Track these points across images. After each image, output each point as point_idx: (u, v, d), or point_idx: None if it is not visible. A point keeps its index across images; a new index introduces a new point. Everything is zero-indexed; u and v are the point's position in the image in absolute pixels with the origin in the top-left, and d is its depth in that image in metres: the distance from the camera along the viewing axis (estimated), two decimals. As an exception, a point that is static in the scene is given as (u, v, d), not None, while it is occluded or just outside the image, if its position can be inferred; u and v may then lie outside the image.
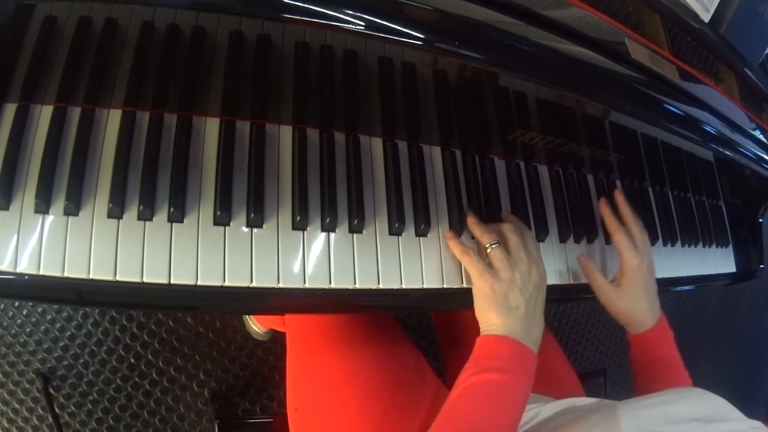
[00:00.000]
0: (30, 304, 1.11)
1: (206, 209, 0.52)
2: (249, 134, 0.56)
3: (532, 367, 0.55)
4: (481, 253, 0.61)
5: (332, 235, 0.57)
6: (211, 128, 0.55)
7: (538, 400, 0.67)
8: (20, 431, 1.12)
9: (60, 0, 0.41)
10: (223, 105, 0.54)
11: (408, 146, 0.64)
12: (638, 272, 0.66)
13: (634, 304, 0.66)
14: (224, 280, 0.51)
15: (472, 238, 0.63)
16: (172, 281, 0.49)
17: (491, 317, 0.56)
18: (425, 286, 0.60)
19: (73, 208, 0.48)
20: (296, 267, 0.54)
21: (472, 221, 0.62)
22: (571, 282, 0.71)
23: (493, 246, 0.59)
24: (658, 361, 0.67)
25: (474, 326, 0.58)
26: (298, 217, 0.55)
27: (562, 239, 0.72)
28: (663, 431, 0.46)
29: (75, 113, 0.51)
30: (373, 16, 0.42)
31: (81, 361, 1.15)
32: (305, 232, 0.55)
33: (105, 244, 0.48)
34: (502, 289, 0.56)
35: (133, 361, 1.18)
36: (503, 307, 0.55)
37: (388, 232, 0.59)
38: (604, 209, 0.71)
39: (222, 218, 0.52)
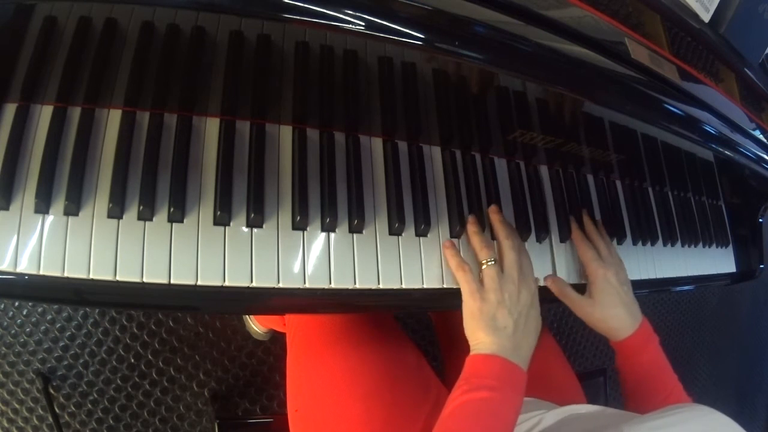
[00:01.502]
0: (30, 304, 1.11)
1: (206, 209, 0.52)
2: (249, 134, 0.56)
3: (521, 384, 0.55)
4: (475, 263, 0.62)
5: (332, 235, 0.57)
6: (211, 128, 0.55)
7: (541, 406, 0.67)
8: (20, 431, 1.12)
9: (60, 0, 0.41)
10: (223, 105, 0.55)
11: (408, 146, 0.64)
12: (605, 281, 0.68)
13: (608, 311, 0.67)
14: (224, 280, 0.51)
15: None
16: (172, 281, 0.49)
17: (480, 336, 0.56)
18: (425, 286, 0.60)
19: (73, 208, 0.48)
20: (296, 267, 0.54)
21: (472, 229, 0.62)
22: (571, 282, 0.70)
23: (489, 263, 0.59)
24: (642, 366, 0.67)
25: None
26: (298, 217, 0.55)
27: (562, 239, 0.72)
28: None
29: (75, 113, 0.51)
30: (373, 16, 0.42)
31: (81, 361, 1.15)
32: (305, 232, 0.55)
33: (105, 244, 0.48)
34: (490, 310, 0.57)
35: (133, 361, 1.18)
36: (491, 326, 0.56)
37: (388, 232, 0.60)
38: (571, 225, 0.73)
39: (222, 218, 0.52)
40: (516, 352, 0.56)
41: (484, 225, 0.65)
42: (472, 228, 0.63)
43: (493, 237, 0.65)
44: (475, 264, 0.61)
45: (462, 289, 0.59)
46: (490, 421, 0.52)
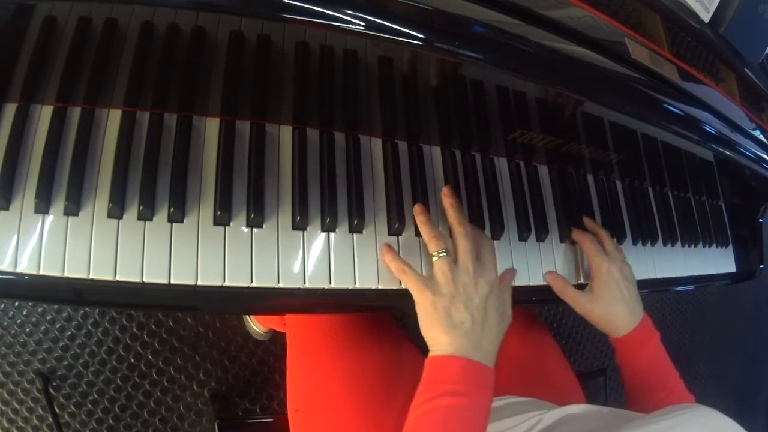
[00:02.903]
0: (30, 304, 1.11)
1: (206, 209, 0.52)
2: (249, 134, 0.56)
3: (487, 383, 0.52)
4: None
5: (332, 235, 0.57)
6: (211, 128, 0.55)
7: (541, 406, 0.67)
8: (20, 431, 1.12)
9: (60, 0, 0.41)
10: (223, 105, 0.55)
11: (408, 146, 0.64)
12: (609, 276, 0.67)
13: (610, 307, 0.66)
14: (224, 280, 0.51)
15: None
16: (172, 281, 0.49)
17: (436, 335, 0.53)
18: (425, 286, 0.59)
19: (73, 208, 0.48)
20: (296, 267, 0.54)
21: (420, 219, 0.59)
22: (571, 282, 0.70)
23: (440, 255, 0.55)
24: (642, 363, 0.67)
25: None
26: (298, 217, 0.55)
27: (562, 239, 0.72)
28: None
29: (75, 113, 0.51)
30: (373, 16, 0.42)
31: (81, 361, 1.15)
32: (305, 232, 0.55)
33: (105, 244, 0.48)
34: (443, 305, 0.53)
35: (133, 361, 1.18)
36: (447, 324, 0.53)
37: (388, 233, 0.59)
38: (574, 231, 0.72)
39: (222, 218, 0.52)
40: (477, 350, 0.52)
41: (483, 225, 0.65)
42: (420, 217, 0.59)
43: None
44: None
45: (411, 290, 0.56)
46: (458, 428, 0.49)
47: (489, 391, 0.52)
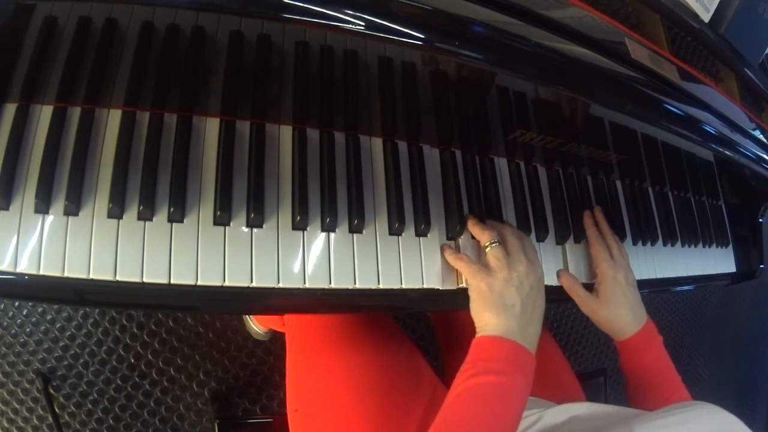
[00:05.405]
0: (30, 304, 1.11)
1: (206, 209, 0.52)
2: (249, 134, 0.56)
3: (530, 367, 0.55)
4: (480, 252, 0.62)
5: (332, 235, 0.57)
6: (211, 128, 0.55)
7: (539, 404, 0.67)
8: (20, 431, 1.12)
9: (60, 0, 0.41)
10: (223, 105, 0.55)
11: (408, 146, 0.64)
12: (614, 281, 0.68)
13: (615, 310, 0.67)
14: (224, 280, 0.51)
15: (473, 237, 0.64)
16: (172, 281, 0.49)
17: (486, 316, 0.56)
18: (425, 286, 0.60)
19: (73, 208, 0.48)
20: (296, 267, 0.54)
21: (472, 222, 0.63)
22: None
23: (493, 245, 0.59)
24: (644, 366, 0.68)
25: (472, 326, 0.58)
26: (298, 217, 0.55)
27: (562, 239, 0.72)
28: None
29: (75, 113, 0.51)
30: (373, 16, 0.42)
31: (81, 361, 1.15)
32: (305, 232, 0.55)
33: (105, 244, 0.48)
34: (497, 287, 0.56)
35: (133, 361, 1.18)
36: (499, 305, 0.55)
37: (388, 232, 0.59)
38: (586, 221, 0.73)
39: (222, 218, 0.52)
40: (523, 335, 0.55)
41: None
42: (471, 221, 0.63)
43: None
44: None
45: (466, 275, 0.59)
46: (499, 407, 0.51)
47: (530, 376, 0.54)
